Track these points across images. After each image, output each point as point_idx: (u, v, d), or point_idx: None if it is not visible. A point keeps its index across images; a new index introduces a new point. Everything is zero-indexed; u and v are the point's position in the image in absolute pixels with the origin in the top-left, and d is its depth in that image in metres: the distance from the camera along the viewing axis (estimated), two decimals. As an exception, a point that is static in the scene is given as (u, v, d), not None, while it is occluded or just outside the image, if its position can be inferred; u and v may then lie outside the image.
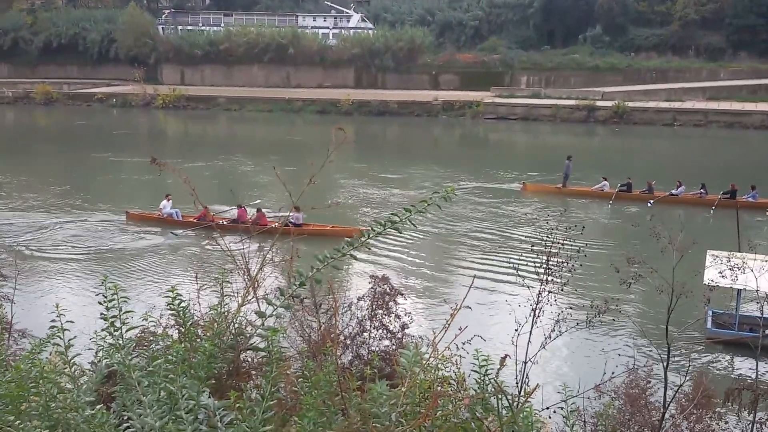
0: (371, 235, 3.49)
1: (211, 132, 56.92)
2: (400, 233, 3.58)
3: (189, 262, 19.43)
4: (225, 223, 20.43)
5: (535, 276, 8.34)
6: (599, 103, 53.01)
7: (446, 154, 41.65)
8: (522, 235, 21.46)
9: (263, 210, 21.72)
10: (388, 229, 3.51)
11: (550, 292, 7.92)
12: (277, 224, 20.81)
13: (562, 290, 8.46)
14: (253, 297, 4.53)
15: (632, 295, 16.35)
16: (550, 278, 7.94)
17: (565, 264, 8.16)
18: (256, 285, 4.62)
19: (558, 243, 8.16)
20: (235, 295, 5.42)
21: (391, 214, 3.51)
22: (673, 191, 26.83)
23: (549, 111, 53.47)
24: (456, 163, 36.85)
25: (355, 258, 3.58)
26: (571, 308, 10.15)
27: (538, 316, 7.56)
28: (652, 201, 25.70)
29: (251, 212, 21.86)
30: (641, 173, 29.74)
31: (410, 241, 21.45)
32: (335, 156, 4.57)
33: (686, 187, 26.92)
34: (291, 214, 21.63)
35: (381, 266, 19.06)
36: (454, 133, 54.80)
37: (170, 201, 22.28)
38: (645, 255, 9.02)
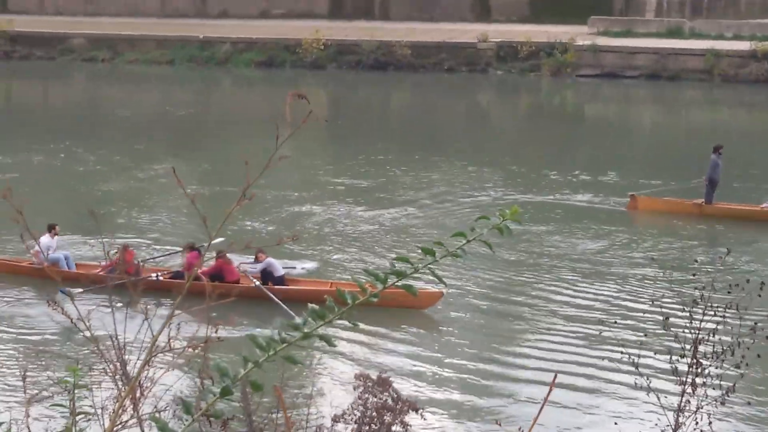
0: (356, 301, 3.53)
1: (57, 99, 57.10)
2: (415, 295, 3.65)
3: (22, 345, 19.45)
4: (160, 278, 21.60)
5: (672, 377, 8.30)
6: (794, 48, 53.36)
7: (501, 144, 41.84)
8: (638, 298, 21.56)
9: (228, 255, 22.40)
10: (393, 288, 3.55)
11: (700, 406, 7.90)
12: (255, 279, 21.81)
13: (722, 403, 8.44)
14: (133, 416, 4.49)
15: None
16: (699, 381, 7.92)
17: (729, 355, 8.14)
18: (137, 394, 4.60)
19: (712, 314, 8.15)
20: (99, 413, 5.35)
21: (397, 259, 3.56)
22: None
23: (700, 62, 53.76)
24: (517, 160, 36.92)
25: (329, 342, 3.62)
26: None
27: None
28: None
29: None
30: None
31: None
32: (291, 148, 4.62)
33: None
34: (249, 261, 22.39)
35: (376, 352, 19.07)
36: (517, 104, 55.06)
37: (56, 237, 23.17)
38: None
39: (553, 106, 54.06)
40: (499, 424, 12.39)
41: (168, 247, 24.70)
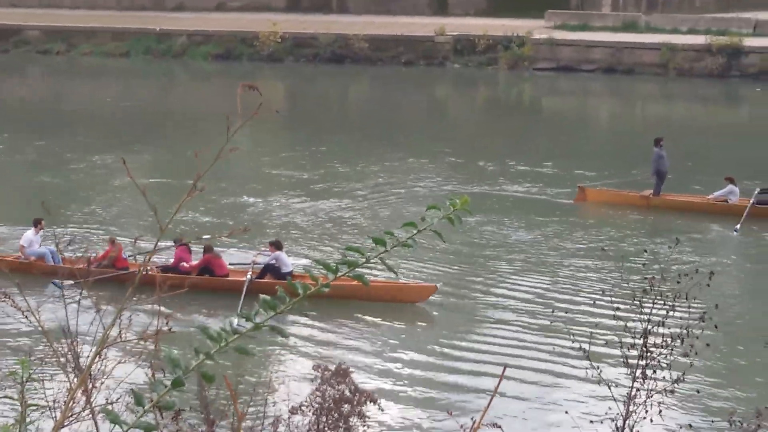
0: (308, 292, 3.53)
1: (10, 92, 56.55)
2: (367, 285, 3.67)
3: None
4: (151, 271, 21.64)
5: (622, 366, 8.37)
6: (749, 42, 53.79)
7: (457, 137, 41.87)
8: (588, 288, 21.79)
9: (215, 248, 22.34)
10: (344, 279, 3.55)
11: (650, 395, 7.96)
12: (251, 272, 21.57)
13: (672, 392, 8.52)
14: (85, 409, 4.46)
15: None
16: (649, 370, 7.99)
17: (678, 344, 8.21)
18: (89, 386, 4.56)
19: (662, 304, 8.21)
20: (52, 406, 5.32)
21: (348, 249, 3.58)
22: None
23: (655, 56, 54.10)
24: (473, 153, 36.95)
25: (281, 333, 3.63)
26: (690, 425, 10.18)
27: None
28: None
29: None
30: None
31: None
32: (248, 140, 4.61)
33: None
34: (267, 253, 22.27)
35: (335, 344, 19.17)
36: (474, 97, 55.17)
37: (41, 232, 23.33)
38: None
39: (510, 100, 54.25)
40: (450, 414, 12.42)
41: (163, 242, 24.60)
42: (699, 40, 54.01)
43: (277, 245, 22.02)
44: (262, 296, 3.63)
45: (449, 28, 57.83)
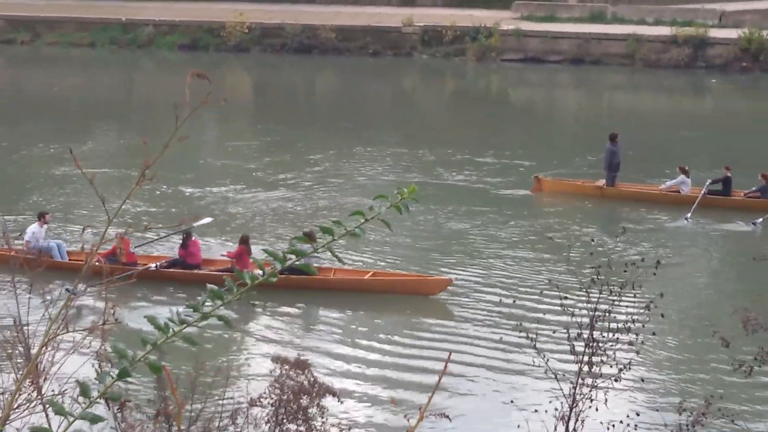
0: (258, 280, 3.55)
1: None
2: (315, 275, 3.67)
3: None
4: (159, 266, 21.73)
5: (568, 355, 8.42)
6: (714, 33, 54.12)
7: (423, 128, 41.86)
8: (537, 278, 21.93)
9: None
10: (292, 268, 3.55)
11: (595, 385, 8.01)
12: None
13: (618, 380, 8.59)
14: (35, 399, 4.44)
15: (757, 390, 16.51)
16: (595, 360, 8.04)
17: (624, 333, 8.27)
18: (38, 376, 4.53)
19: (609, 293, 8.27)
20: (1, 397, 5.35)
21: (294, 238, 3.58)
22: None
23: (621, 47, 54.31)
24: (437, 144, 36.91)
25: (228, 323, 3.64)
26: (637, 414, 10.24)
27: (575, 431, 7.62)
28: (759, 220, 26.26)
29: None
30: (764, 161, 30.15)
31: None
32: (197, 127, 4.59)
33: None
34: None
35: (293, 337, 19.33)
36: (441, 88, 55.18)
37: (46, 225, 23.05)
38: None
39: (477, 91, 54.28)
40: (395, 404, 12.45)
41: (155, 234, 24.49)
42: (665, 31, 54.31)
43: (311, 237, 21.70)
44: (209, 286, 3.63)
45: (417, 19, 57.82)
